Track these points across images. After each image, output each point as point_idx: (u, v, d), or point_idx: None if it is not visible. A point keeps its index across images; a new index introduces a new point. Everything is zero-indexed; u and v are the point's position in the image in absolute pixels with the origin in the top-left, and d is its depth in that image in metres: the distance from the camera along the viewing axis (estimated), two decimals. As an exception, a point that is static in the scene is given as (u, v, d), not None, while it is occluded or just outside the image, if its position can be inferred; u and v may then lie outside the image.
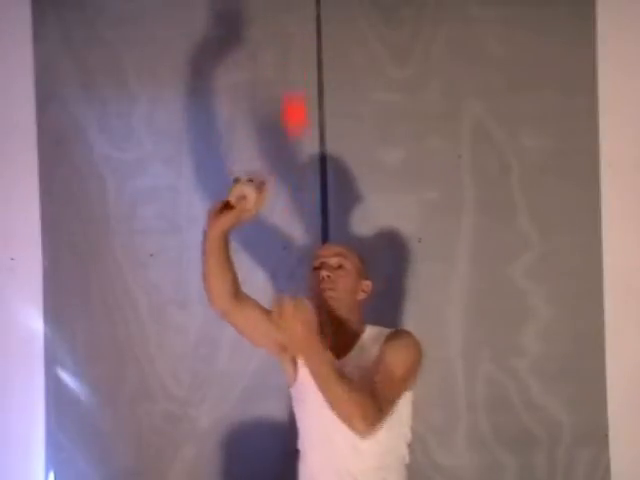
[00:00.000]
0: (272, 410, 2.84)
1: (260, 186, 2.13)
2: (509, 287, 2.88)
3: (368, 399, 2.06)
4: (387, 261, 2.83)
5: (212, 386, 2.85)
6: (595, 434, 2.89)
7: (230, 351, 2.82)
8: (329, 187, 2.87)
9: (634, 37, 2.94)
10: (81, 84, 2.87)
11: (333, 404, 2.07)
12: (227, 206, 2.12)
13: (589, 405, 2.89)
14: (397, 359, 2.18)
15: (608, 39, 2.90)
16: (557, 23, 2.91)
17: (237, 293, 2.25)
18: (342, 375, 2.07)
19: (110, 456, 2.85)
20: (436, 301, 2.86)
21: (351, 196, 2.88)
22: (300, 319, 2.03)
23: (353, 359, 2.26)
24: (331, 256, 2.33)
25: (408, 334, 2.30)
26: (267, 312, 2.23)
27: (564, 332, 2.89)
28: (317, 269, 2.32)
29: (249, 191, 2.10)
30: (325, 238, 2.86)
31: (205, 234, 2.17)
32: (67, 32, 2.87)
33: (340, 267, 2.32)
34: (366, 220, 2.87)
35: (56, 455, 2.85)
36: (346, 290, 2.31)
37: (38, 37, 2.87)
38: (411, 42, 2.90)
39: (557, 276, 2.89)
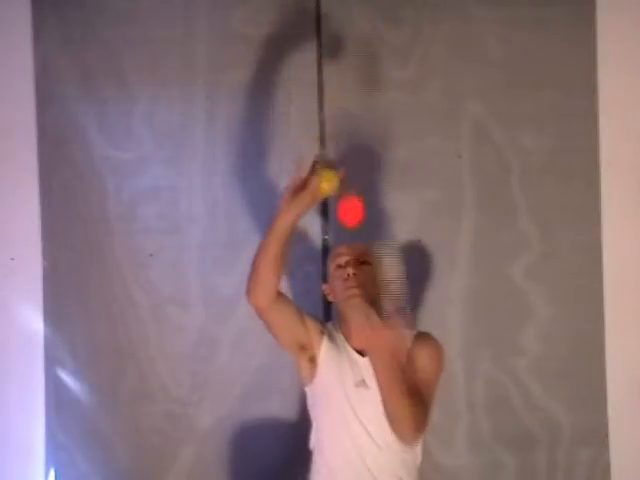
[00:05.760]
0: (272, 410, 2.84)
1: (339, 171, 2.13)
2: (509, 287, 2.88)
3: (421, 415, 2.18)
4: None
5: (212, 386, 2.84)
6: (595, 434, 2.89)
7: (230, 351, 2.82)
8: (329, 187, 2.87)
9: (634, 37, 2.94)
10: (81, 84, 2.87)
11: (392, 413, 2.16)
12: (301, 187, 2.09)
13: (589, 405, 2.89)
14: (432, 367, 2.29)
15: (608, 39, 2.90)
16: (557, 23, 2.91)
17: (279, 290, 2.23)
18: (405, 389, 2.14)
19: (110, 456, 2.85)
20: (436, 301, 2.87)
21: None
22: (395, 336, 2.12)
23: None
24: (355, 254, 2.34)
25: (435, 340, 2.36)
26: (299, 312, 2.30)
27: (564, 332, 2.89)
28: (342, 267, 2.34)
29: (333, 176, 2.10)
30: (325, 238, 2.86)
31: (279, 218, 2.10)
32: (67, 32, 2.87)
33: (364, 264, 2.34)
34: (366, 220, 2.86)
35: (56, 455, 2.85)
36: (371, 287, 2.33)
37: (38, 37, 2.87)
38: (411, 42, 2.90)
39: (557, 276, 2.89)
